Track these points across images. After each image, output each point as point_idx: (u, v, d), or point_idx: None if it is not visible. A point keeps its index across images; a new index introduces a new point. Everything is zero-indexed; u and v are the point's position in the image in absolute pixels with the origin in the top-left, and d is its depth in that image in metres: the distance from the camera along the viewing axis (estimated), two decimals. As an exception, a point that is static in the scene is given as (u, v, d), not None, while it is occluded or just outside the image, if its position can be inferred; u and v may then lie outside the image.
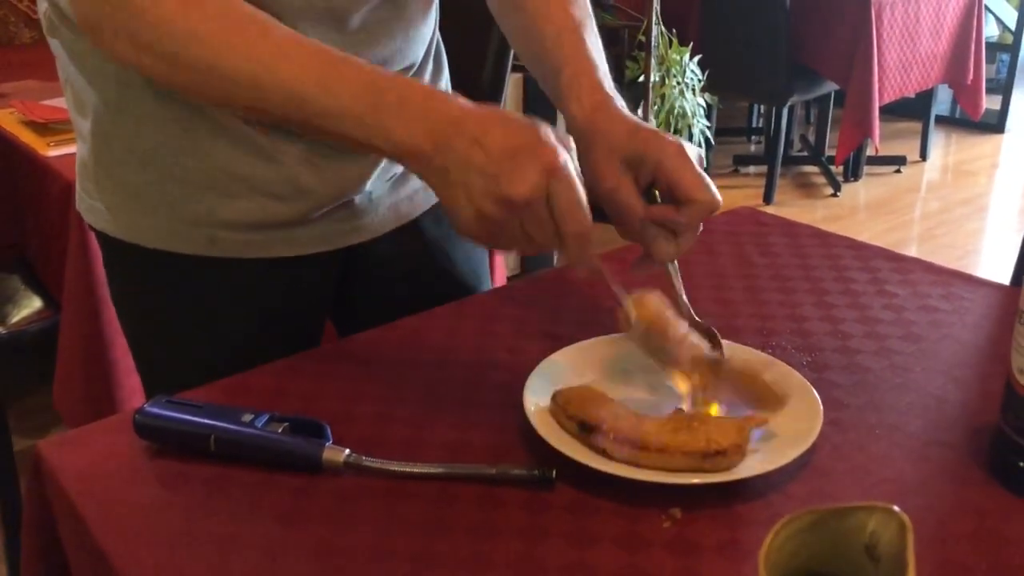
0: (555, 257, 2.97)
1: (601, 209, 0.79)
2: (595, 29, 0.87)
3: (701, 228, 0.76)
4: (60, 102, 1.79)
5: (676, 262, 0.78)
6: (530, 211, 0.65)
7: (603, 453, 0.66)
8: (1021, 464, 0.65)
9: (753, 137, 4.86)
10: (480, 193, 0.65)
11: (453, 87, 1.08)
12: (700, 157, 0.75)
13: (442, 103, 0.69)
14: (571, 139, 0.68)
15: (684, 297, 0.79)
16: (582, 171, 0.77)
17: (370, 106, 0.68)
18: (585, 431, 0.67)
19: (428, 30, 0.97)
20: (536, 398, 0.72)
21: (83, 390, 1.56)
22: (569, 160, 0.66)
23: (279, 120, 0.72)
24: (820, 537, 0.43)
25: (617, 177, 0.75)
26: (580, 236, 0.67)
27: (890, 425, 0.73)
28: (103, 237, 0.94)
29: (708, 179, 0.74)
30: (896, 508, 0.42)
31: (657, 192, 0.76)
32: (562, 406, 0.69)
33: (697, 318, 0.78)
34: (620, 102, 0.79)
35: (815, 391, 0.72)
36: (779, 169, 4.03)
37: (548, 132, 0.67)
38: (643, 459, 0.65)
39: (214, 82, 0.71)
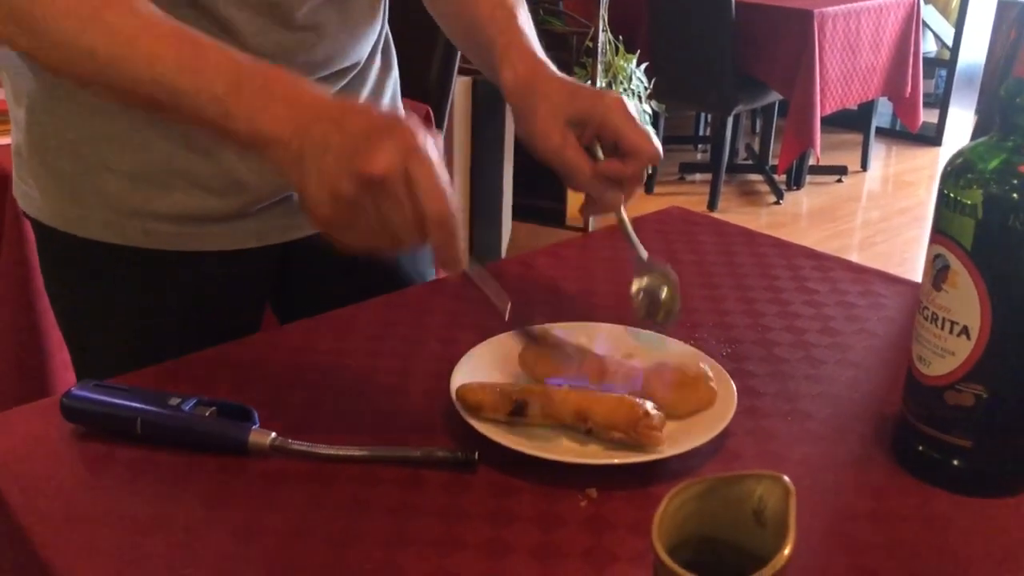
0: (503, 248, 2.98)
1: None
2: (527, 9, 0.89)
3: (646, 176, 0.79)
4: (-3, 93, 1.77)
5: (624, 208, 0.82)
6: (386, 189, 0.62)
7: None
8: (920, 448, 0.68)
9: (699, 146, 4.94)
10: (333, 172, 0.62)
11: (401, 85, 1.09)
12: (639, 110, 0.78)
13: (305, 91, 0.67)
14: (439, 134, 0.67)
15: (636, 238, 0.83)
16: (526, 132, 0.78)
17: (232, 87, 0.66)
18: (518, 413, 0.70)
19: (374, 29, 0.98)
20: (463, 383, 0.74)
21: (17, 384, 1.54)
22: (431, 143, 0.64)
23: (145, 103, 0.70)
24: (712, 504, 0.45)
25: (563, 136, 0.77)
26: (442, 218, 0.63)
27: (801, 413, 0.76)
28: (37, 225, 0.94)
29: (651, 130, 0.77)
30: (783, 476, 0.44)
31: (600, 148, 0.79)
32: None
33: (646, 257, 0.82)
34: (552, 66, 0.81)
35: (731, 380, 0.75)
36: (724, 177, 4.11)
37: (410, 119, 0.65)
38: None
39: (77, 59, 0.68)
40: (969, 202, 0.62)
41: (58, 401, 0.71)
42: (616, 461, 0.66)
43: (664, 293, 0.80)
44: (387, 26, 1.03)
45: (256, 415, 0.71)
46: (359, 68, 0.97)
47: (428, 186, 0.62)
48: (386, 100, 1.05)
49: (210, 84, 0.66)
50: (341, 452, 0.68)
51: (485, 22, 0.86)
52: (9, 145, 0.96)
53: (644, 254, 0.81)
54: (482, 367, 0.76)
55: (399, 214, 0.63)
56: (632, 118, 0.77)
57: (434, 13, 0.96)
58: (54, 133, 0.88)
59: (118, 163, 0.87)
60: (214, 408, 0.71)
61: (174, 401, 0.70)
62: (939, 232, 0.65)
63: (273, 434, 0.69)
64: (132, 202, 0.89)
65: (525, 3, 0.90)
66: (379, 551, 0.60)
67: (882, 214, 4.18)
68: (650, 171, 3.74)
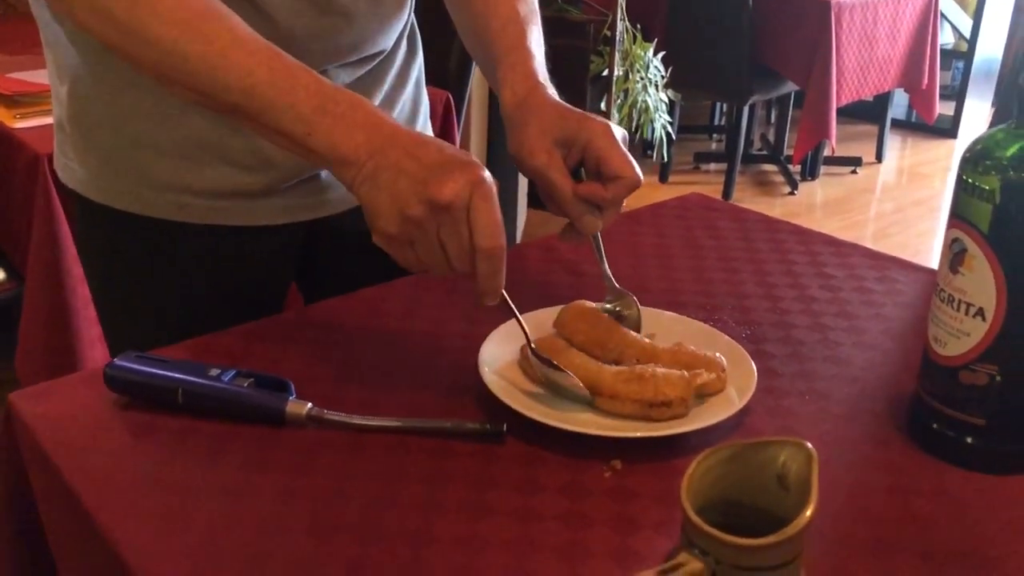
0: (518, 234, 3.01)
1: (536, 195, 0.84)
2: (539, 25, 0.91)
3: (623, 204, 0.81)
4: (28, 75, 1.80)
5: (599, 233, 0.84)
6: (450, 216, 0.68)
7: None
8: (935, 426, 0.71)
9: (715, 135, 4.94)
10: (406, 195, 0.68)
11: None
12: (624, 137, 0.80)
13: (384, 120, 0.73)
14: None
15: (606, 265, 0.86)
16: (515, 149, 0.82)
17: (317, 108, 0.72)
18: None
19: (403, 18, 1.01)
20: (491, 358, 0.76)
21: (46, 360, 1.58)
22: (494, 184, 0.69)
23: (227, 108, 0.74)
24: (737, 468, 0.47)
25: (548, 155, 0.79)
26: (493, 252, 0.69)
27: (819, 392, 0.78)
28: (77, 197, 0.97)
29: (632, 158, 0.79)
30: (806, 442, 0.47)
31: (584, 172, 0.81)
32: (533, 352, 0.75)
33: (617, 285, 0.85)
34: (551, 90, 0.84)
35: (751, 359, 0.77)
36: (739, 166, 4.11)
37: (477, 160, 0.71)
38: (597, 402, 0.72)
39: (168, 60, 0.73)
40: (987, 188, 0.64)
41: (101, 371, 0.74)
42: (640, 434, 0.69)
43: (629, 317, 0.83)
44: (413, 14, 1.05)
45: (292, 387, 0.73)
46: (383, 56, 1.00)
47: (486, 220, 0.68)
48: (410, 85, 1.07)
49: (298, 103, 0.72)
50: (375, 423, 0.71)
51: (495, 37, 0.88)
52: (40, 127, 0.99)
53: (613, 281, 0.85)
54: (509, 345, 0.79)
55: (456, 242, 0.69)
56: (616, 144, 0.78)
57: (458, 27, 0.98)
58: (94, 108, 0.91)
59: (155, 138, 0.90)
60: (252, 379, 0.73)
61: (214, 372, 0.73)
62: (957, 216, 0.67)
63: (309, 404, 0.71)
64: (167, 176, 0.92)
65: (538, 15, 0.92)
66: (413, 516, 0.63)
67: (896, 206, 4.18)
68: (665, 160, 3.71)
